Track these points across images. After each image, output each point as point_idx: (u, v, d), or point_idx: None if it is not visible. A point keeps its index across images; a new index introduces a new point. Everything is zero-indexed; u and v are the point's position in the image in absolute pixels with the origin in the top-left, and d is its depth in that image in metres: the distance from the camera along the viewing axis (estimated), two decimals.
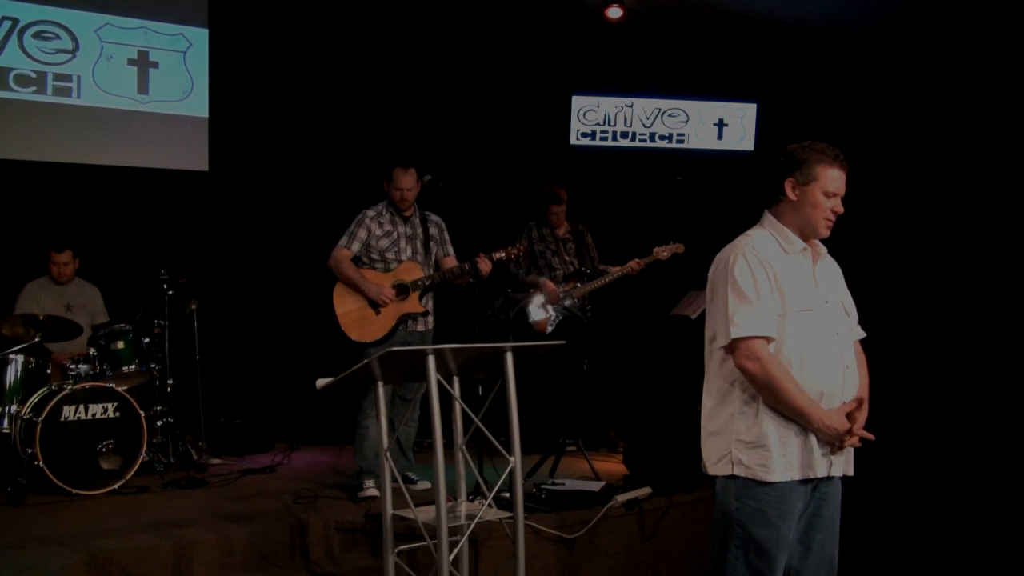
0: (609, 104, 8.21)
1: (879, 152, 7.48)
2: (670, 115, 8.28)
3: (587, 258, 6.59)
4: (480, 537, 4.34)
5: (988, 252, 6.89)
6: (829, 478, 2.96)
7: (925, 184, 7.23)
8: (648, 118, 8.27)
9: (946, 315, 6.93)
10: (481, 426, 3.53)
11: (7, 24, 6.66)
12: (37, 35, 6.77)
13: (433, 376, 3.26)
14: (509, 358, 3.50)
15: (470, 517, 3.46)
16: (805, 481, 2.91)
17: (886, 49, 7.51)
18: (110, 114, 7.03)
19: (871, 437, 2.92)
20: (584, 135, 8.21)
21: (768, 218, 3.04)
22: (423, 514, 3.45)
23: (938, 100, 7.29)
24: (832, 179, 2.94)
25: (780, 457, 2.87)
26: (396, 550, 3.44)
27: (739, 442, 2.91)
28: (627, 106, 8.23)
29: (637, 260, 6.23)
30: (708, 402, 3.05)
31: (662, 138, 8.29)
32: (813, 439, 2.88)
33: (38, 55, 6.78)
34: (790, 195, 2.96)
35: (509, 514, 3.56)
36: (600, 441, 6.68)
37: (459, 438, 3.55)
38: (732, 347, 2.87)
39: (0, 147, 6.66)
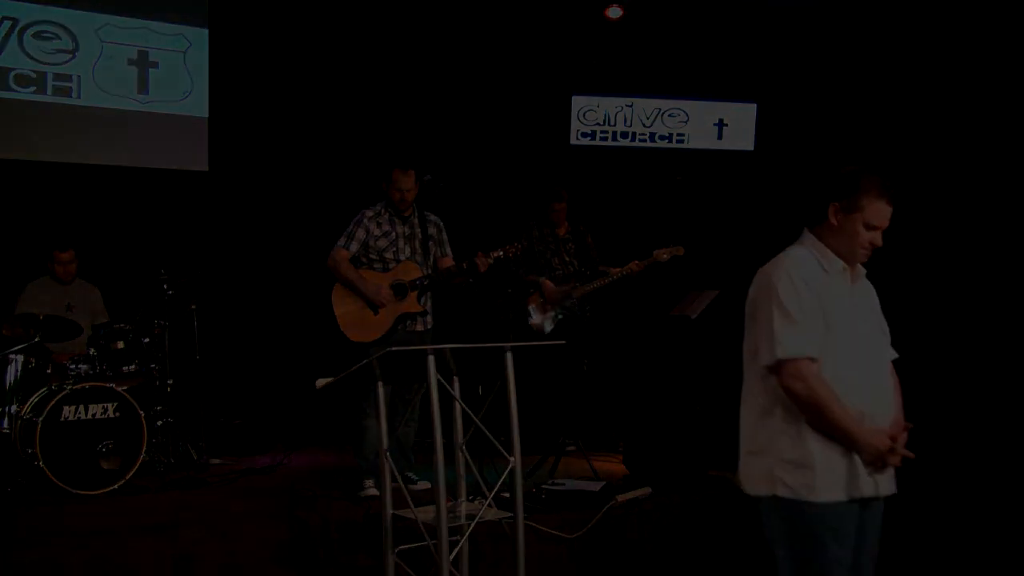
0: (609, 104, 8.21)
1: (880, 153, 7.48)
2: (670, 115, 8.28)
3: (587, 259, 6.58)
4: (480, 537, 4.34)
5: (1008, 257, 6.76)
6: (875, 497, 2.90)
7: (932, 186, 7.16)
8: (648, 118, 8.27)
9: (970, 328, 6.76)
10: (481, 426, 3.53)
11: (7, 24, 6.66)
12: (37, 35, 6.77)
13: (433, 376, 3.27)
14: (509, 358, 3.51)
15: (470, 517, 3.47)
16: (852, 501, 2.85)
17: (887, 47, 7.50)
18: (110, 114, 7.03)
19: (911, 455, 2.86)
20: (584, 135, 8.21)
21: (809, 237, 2.99)
22: (423, 514, 3.45)
23: (943, 98, 7.27)
24: (877, 212, 2.88)
25: (825, 477, 2.80)
26: (396, 550, 3.44)
27: (782, 462, 2.84)
28: (627, 106, 8.24)
29: (637, 262, 6.23)
30: (748, 418, 2.98)
31: (662, 138, 8.29)
32: (858, 458, 2.82)
33: (38, 55, 6.78)
34: (832, 220, 2.92)
35: (509, 514, 3.56)
36: (600, 441, 6.68)
37: (459, 438, 3.56)
38: (776, 366, 2.82)
39: (0, 147, 6.67)
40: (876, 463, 2.81)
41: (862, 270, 3.03)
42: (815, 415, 2.79)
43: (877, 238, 2.92)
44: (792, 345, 2.79)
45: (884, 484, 2.90)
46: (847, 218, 2.89)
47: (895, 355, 3.09)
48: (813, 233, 2.98)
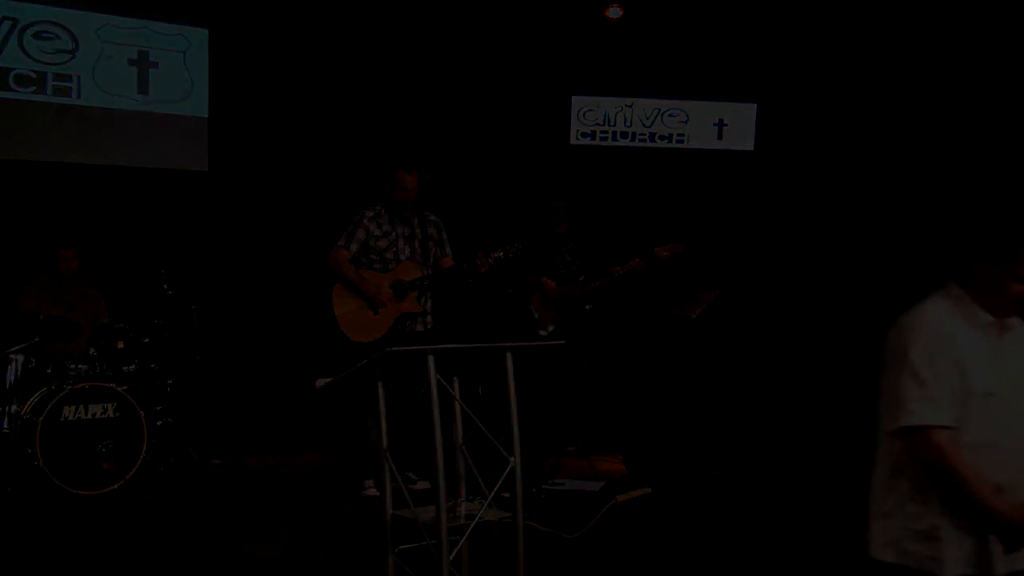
0: (609, 104, 8.20)
1: (880, 154, 7.48)
2: (670, 115, 8.28)
3: (588, 258, 6.58)
4: (480, 537, 4.34)
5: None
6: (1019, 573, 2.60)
7: (932, 186, 7.13)
8: (648, 118, 8.26)
9: None
10: (481, 426, 3.53)
11: (7, 24, 6.66)
12: (37, 35, 6.77)
13: (433, 376, 3.26)
14: (509, 358, 3.51)
15: (470, 517, 3.46)
16: None
17: (887, 47, 7.50)
18: (110, 114, 7.03)
19: None
20: (584, 135, 8.21)
21: (952, 289, 2.70)
22: (423, 514, 3.44)
23: (944, 97, 7.26)
24: None
25: (954, 550, 2.56)
26: (396, 550, 3.44)
27: (908, 530, 2.62)
28: (627, 106, 8.24)
29: (638, 260, 6.23)
30: (878, 478, 2.74)
31: (662, 138, 8.29)
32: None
33: (38, 55, 6.78)
34: (979, 272, 2.64)
35: (509, 514, 3.55)
36: (600, 441, 6.68)
37: (459, 438, 3.56)
38: (902, 434, 2.58)
39: (0, 147, 6.67)
40: (1011, 541, 2.55)
41: (1015, 321, 2.72)
42: (946, 488, 2.55)
43: None
44: (921, 412, 2.54)
45: None
46: (996, 271, 2.61)
47: None
48: (957, 283, 2.70)
